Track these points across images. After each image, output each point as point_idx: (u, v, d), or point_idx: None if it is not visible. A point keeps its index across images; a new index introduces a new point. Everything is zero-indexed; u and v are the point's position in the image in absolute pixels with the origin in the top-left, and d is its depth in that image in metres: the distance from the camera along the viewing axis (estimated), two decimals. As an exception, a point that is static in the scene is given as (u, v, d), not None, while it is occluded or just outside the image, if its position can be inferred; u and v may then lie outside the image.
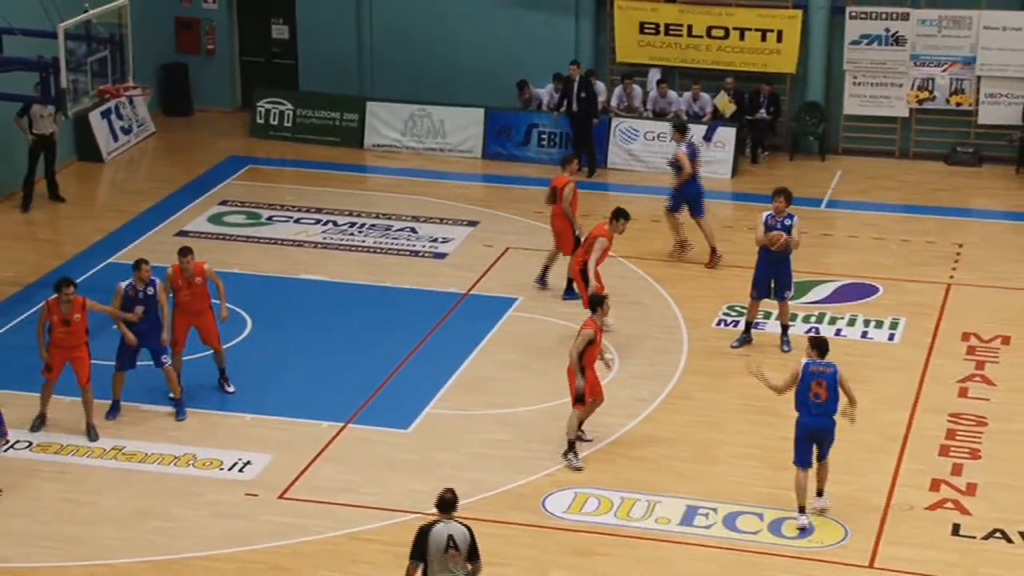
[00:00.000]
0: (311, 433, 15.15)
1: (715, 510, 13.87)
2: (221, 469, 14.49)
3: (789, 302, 17.22)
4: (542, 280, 18.51)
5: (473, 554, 10.73)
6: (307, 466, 14.56)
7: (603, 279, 17.51)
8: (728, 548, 13.34)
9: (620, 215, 17.16)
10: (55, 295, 14.82)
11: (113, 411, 15.31)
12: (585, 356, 14.46)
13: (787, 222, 16.88)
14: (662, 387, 16.23)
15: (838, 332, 17.61)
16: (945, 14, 23.02)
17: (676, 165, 19.40)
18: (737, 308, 18.14)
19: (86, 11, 17.28)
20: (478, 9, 24.25)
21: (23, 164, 21.43)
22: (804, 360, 13.51)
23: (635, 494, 14.10)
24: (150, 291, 15.05)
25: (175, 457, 14.65)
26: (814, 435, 13.45)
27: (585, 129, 22.54)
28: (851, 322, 17.90)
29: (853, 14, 23.26)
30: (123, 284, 15.10)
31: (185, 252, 15.53)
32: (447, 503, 10.77)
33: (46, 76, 16.96)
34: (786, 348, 17.00)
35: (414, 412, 15.61)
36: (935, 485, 14.32)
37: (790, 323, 17.22)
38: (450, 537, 10.65)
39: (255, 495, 14.07)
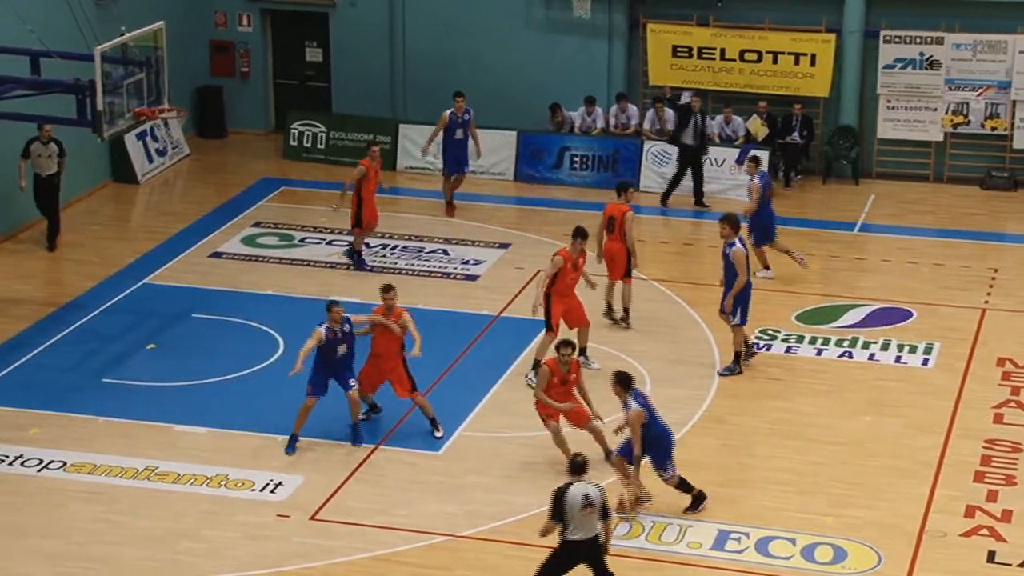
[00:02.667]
0: (342, 455, 15.17)
1: (747, 535, 13.80)
2: (253, 490, 14.52)
3: (816, 326, 17.12)
4: (611, 313, 18.19)
5: (604, 512, 11.86)
6: (338, 488, 14.58)
7: (632, 301, 17.54)
8: (761, 574, 13.26)
9: (575, 234, 16.73)
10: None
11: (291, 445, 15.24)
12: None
13: (727, 250, 16.66)
14: (694, 411, 16.17)
15: (871, 357, 17.52)
16: (980, 38, 22.93)
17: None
18: (770, 331, 18.08)
19: (123, 34, 17.42)
20: (511, 32, 24.32)
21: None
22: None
23: (666, 518, 14.04)
24: (346, 328, 15.05)
25: (207, 478, 14.69)
26: None
27: (697, 160, 22.27)
28: (884, 347, 17.81)
29: (887, 38, 23.20)
30: (321, 328, 14.93)
31: (388, 289, 15.39)
32: (579, 466, 11.90)
33: (83, 99, 17.09)
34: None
35: (445, 434, 15.61)
36: (970, 512, 14.21)
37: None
38: (586, 496, 11.73)
39: (286, 516, 14.09)
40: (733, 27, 23.64)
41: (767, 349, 17.66)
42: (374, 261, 20.23)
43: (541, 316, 16.57)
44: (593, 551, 11.98)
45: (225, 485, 14.58)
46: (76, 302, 18.82)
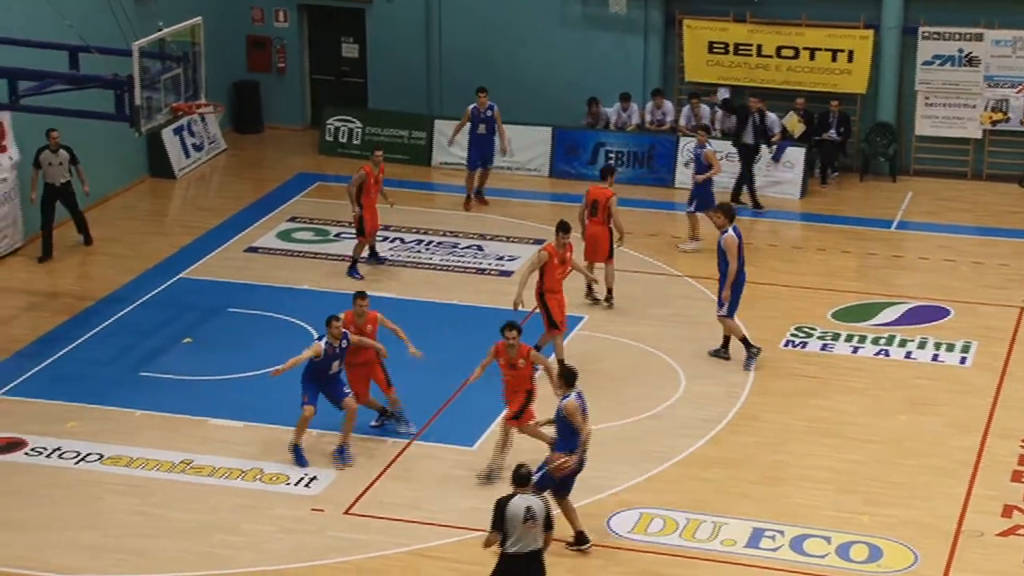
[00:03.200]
0: (377, 449, 15.21)
1: (782, 532, 13.75)
2: (288, 484, 14.58)
3: (853, 324, 17.00)
4: (592, 293, 18.54)
5: (548, 524, 11.61)
6: (372, 482, 14.61)
7: (667, 300, 17.52)
8: (795, 572, 13.21)
9: (559, 228, 16.80)
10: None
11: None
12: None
13: (720, 238, 16.77)
14: (729, 408, 16.13)
15: (908, 355, 17.42)
16: (1020, 35, 22.75)
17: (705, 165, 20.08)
18: (805, 329, 18.00)
19: (160, 29, 17.50)
20: (546, 28, 24.30)
21: (94, 177, 21.78)
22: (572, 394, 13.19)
23: (701, 515, 14.01)
24: (343, 344, 14.81)
25: (242, 471, 14.76)
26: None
27: (752, 160, 22.19)
28: (921, 345, 17.70)
29: (926, 34, 23.05)
30: (321, 343, 14.72)
31: (362, 295, 15.28)
32: (523, 478, 11.66)
33: (121, 94, 17.18)
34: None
35: (480, 429, 15.62)
36: (1007, 511, 14.10)
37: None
38: (528, 508, 11.51)
39: (321, 510, 14.14)
40: (770, 23, 23.54)
41: (803, 346, 17.59)
42: (409, 257, 20.26)
43: (524, 310, 16.54)
44: (533, 566, 11.67)
45: (260, 479, 14.65)
46: (113, 296, 18.95)
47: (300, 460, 14.83)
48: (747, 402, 16.28)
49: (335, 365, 14.82)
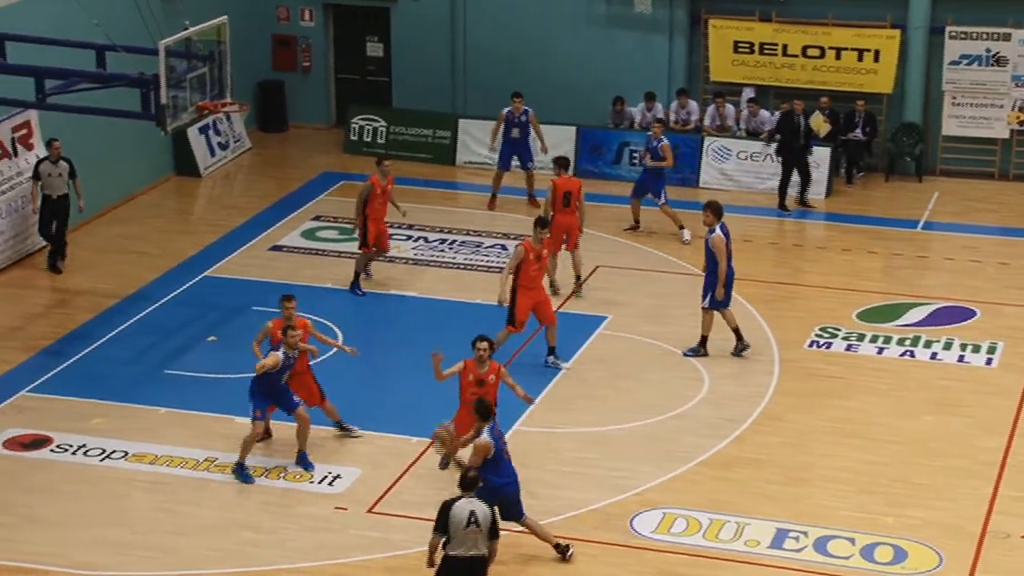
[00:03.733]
0: (400, 448, 15.23)
1: (806, 533, 13.70)
2: (311, 482, 14.62)
3: (878, 324, 16.98)
4: (554, 286, 18.51)
5: (493, 532, 11.59)
6: (396, 481, 14.63)
7: (691, 300, 17.44)
8: (820, 573, 13.16)
9: (536, 223, 16.91)
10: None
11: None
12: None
13: (707, 237, 16.84)
14: (752, 408, 16.09)
15: (934, 356, 17.35)
16: (1048, 34, 22.64)
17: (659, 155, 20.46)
18: (830, 329, 17.95)
19: (186, 28, 17.57)
20: (571, 28, 24.28)
21: (120, 176, 21.90)
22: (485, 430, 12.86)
23: (724, 515, 13.98)
24: (294, 354, 14.57)
25: (266, 469, 14.80)
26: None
27: (803, 160, 22.10)
28: (947, 346, 17.62)
29: (953, 34, 22.94)
30: (280, 354, 14.46)
31: (289, 299, 14.98)
32: (470, 482, 11.67)
33: (147, 92, 17.25)
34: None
35: (503, 429, 15.56)
36: (1033, 513, 14.04)
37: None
38: (472, 513, 11.50)
39: (344, 509, 14.17)
40: (796, 23, 23.47)
41: (827, 347, 17.54)
42: (432, 256, 20.27)
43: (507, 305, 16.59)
44: (473, 570, 11.62)
45: (284, 477, 14.69)
46: (139, 294, 19.03)
47: (245, 478, 14.55)
48: (771, 402, 16.24)
49: (286, 376, 14.60)
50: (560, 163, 19.10)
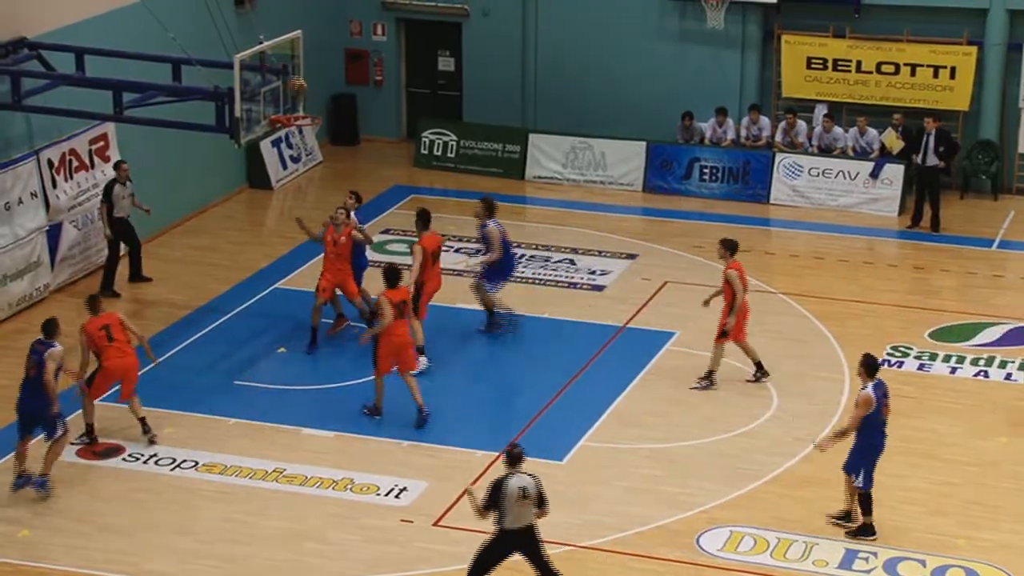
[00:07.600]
0: (466, 461, 15.23)
1: (875, 554, 13.53)
2: (377, 494, 14.66)
3: (951, 343, 16.74)
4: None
5: (541, 501, 12.28)
6: (462, 494, 14.61)
7: (761, 317, 17.28)
8: (888, 595, 13.00)
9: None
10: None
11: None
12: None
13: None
14: (822, 427, 15.90)
15: (1008, 376, 17.07)
16: None
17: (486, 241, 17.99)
18: (901, 348, 17.73)
19: (261, 42, 17.74)
20: (642, 43, 24.23)
21: (194, 188, 22.10)
22: (869, 385, 13.52)
23: (792, 535, 13.83)
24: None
25: (334, 481, 14.86)
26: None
27: (934, 182, 21.77)
28: (1022, 367, 17.32)
29: (1030, 50, 22.63)
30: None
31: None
32: (516, 457, 12.26)
33: (221, 106, 17.43)
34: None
35: (569, 444, 15.58)
36: (1109, 539, 13.76)
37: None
38: (522, 488, 12.16)
39: (410, 521, 14.19)
40: (870, 39, 23.25)
41: (899, 366, 17.32)
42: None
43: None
44: (528, 540, 12.37)
45: (351, 489, 14.74)
46: (210, 305, 19.21)
47: (44, 486, 14.41)
48: (840, 421, 16.04)
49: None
50: (428, 219, 17.53)
